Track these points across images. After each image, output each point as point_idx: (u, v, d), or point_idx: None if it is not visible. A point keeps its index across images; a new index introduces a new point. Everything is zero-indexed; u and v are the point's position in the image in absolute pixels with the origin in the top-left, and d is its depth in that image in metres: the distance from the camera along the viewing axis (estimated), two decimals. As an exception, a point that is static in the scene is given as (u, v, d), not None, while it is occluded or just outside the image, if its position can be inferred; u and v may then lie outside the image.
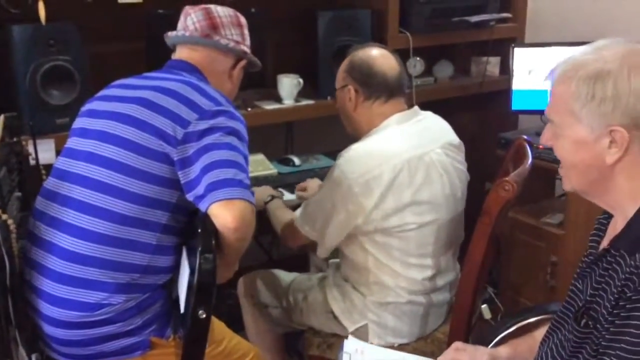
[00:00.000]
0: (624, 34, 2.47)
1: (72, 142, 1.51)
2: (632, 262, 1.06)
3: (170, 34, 1.66)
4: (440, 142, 1.79)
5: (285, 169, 2.39)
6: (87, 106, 1.56)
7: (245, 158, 1.42)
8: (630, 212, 1.11)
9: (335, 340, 1.81)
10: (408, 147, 1.72)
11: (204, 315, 1.26)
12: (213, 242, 1.27)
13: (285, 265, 2.17)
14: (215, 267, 1.26)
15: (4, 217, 1.33)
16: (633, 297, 1.03)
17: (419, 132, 1.79)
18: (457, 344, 1.41)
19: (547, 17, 2.81)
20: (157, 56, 2.15)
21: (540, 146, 2.15)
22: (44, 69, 1.93)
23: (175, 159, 1.40)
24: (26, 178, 1.72)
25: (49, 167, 1.60)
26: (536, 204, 2.63)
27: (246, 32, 1.68)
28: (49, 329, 1.41)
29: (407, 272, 1.74)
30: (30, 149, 1.73)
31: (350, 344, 1.41)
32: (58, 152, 1.87)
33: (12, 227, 1.35)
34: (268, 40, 2.40)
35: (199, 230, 1.30)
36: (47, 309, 1.40)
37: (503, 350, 1.41)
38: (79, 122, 1.53)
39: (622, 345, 1.04)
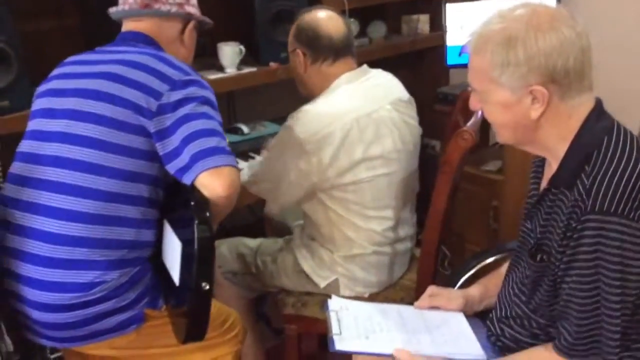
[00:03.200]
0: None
1: (38, 124, 1.47)
2: (572, 197, 1.17)
3: (112, 10, 1.63)
4: (389, 98, 1.86)
5: (235, 138, 2.40)
6: (45, 86, 1.51)
7: (221, 125, 1.43)
8: (561, 153, 1.22)
9: (309, 298, 1.88)
10: (357, 105, 1.78)
11: (207, 287, 1.28)
12: (207, 213, 1.29)
13: (244, 233, 2.20)
14: (212, 237, 1.28)
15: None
16: (578, 227, 1.15)
17: (368, 89, 1.84)
18: (432, 289, 1.51)
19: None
20: (95, 32, 2.11)
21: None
22: (-25, 51, 1.85)
23: (151, 131, 1.40)
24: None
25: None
26: (473, 153, 2.76)
27: None
28: (38, 315, 1.39)
29: (367, 225, 1.82)
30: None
31: (335, 302, 1.48)
32: (0, 137, 1.82)
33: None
34: (204, 8, 2.38)
35: (192, 203, 1.31)
36: (36, 294, 1.38)
37: (474, 290, 1.52)
38: (41, 103, 1.49)
39: (576, 271, 1.16)
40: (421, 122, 1.97)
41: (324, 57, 1.83)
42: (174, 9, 1.60)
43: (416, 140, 1.92)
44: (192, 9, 1.66)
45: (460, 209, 2.75)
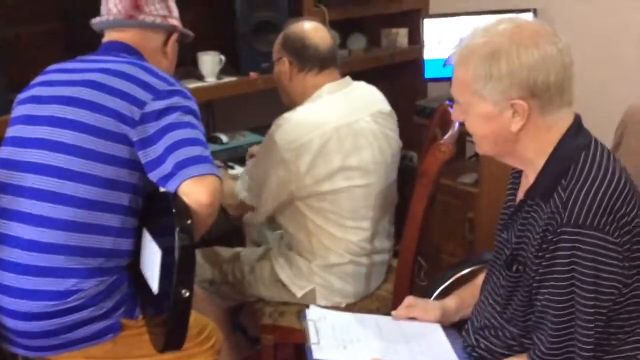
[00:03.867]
0: (525, 0, 2.63)
1: (16, 131, 1.46)
2: (548, 209, 1.20)
3: (94, 20, 1.63)
4: (370, 110, 1.88)
5: (214, 147, 2.40)
6: (26, 93, 1.51)
7: (204, 136, 1.44)
8: (539, 166, 1.25)
9: (286, 309, 1.88)
10: (337, 115, 1.81)
11: (187, 294, 1.28)
12: (189, 221, 1.29)
13: (221, 242, 2.20)
14: (193, 245, 1.28)
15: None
16: (554, 239, 1.18)
17: (350, 100, 1.87)
18: (409, 300, 1.53)
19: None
20: (75, 39, 2.10)
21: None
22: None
23: (134, 139, 1.40)
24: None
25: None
26: (450, 165, 2.79)
27: (172, 4, 1.67)
28: (13, 324, 1.38)
29: (344, 235, 1.84)
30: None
31: (313, 312, 1.48)
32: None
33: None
34: (185, 18, 2.38)
35: (173, 210, 1.31)
36: (10, 302, 1.37)
37: (451, 301, 1.54)
38: (21, 110, 1.48)
39: (551, 283, 1.19)
40: (400, 134, 1.99)
41: (310, 66, 1.86)
42: (158, 20, 1.61)
43: (395, 152, 1.94)
44: (175, 21, 1.67)
45: (437, 220, 2.78)
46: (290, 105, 1.91)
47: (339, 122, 1.79)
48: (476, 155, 2.68)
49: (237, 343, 2.17)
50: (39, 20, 2.10)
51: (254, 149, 2.20)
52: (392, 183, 1.95)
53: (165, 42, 1.65)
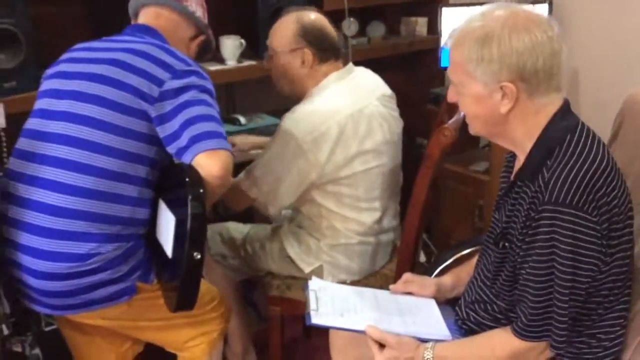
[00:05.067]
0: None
1: (44, 104, 1.56)
2: (534, 188, 1.27)
3: None
4: (375, 94, 1.95)
5: (233, 128, 2.48)
6: (54, 69, 1.61)
7: (219, 113, 1.53)
8: (528, 148, 1.31)
9: (293, 282, 1.97)
10: (349, 102, 1.87)
11: (199, 256, 1.38)
12: (201, 190, 1.38)
13: (232, 219, 2.28)
14: (205, 212, 1.38)
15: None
16: (536, 217, 1.24)
17: (356, 87, 1.94)
18: (407, 276, 1.60)
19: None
20: (101, 20, 2.19)
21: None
22: (-10, 33, 1.93)
23: (152, 115, 1.49)
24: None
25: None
26: (463, 153, 2.86)
27: (206, 15, 1.78)
28: (35, 282, 1.48)
29: (358, 216, 1.91)
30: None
31: (314, 283, 1.57)
32: (7, 116, 1.91)
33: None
34: (209, 2, 2.47)
35: (187, 179, 1.40)
36: (33, 263, 1.47)
37: (447, 278, 1.61)
38: (48, 84, 1.58)
39: (533, 258, 1.25)
40: (413, 121, 2.06)
41: (328, 57, 1.91)
42: (198, 12, 1.71)
43: (400, 133, 2.02)
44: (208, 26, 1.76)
45: (448, 207, 2.85)
46: (294, 95, 1.96)
47: (352, 109, 1.86)
48: (489, 144, 2.74)
49: (247, 316, 2.26)
50: (65, 2, 2.19)
51: (232, 138, 2.13)
52: (399, 163, 2.03)
53: (192, 39, 1.74)
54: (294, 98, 1.95)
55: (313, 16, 1.93)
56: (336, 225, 1.90)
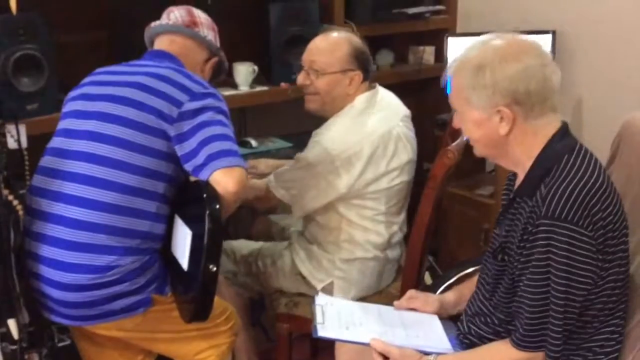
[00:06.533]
0: (545, 22, 2.75)
1: (67, 124, 1.65)
2: (531, 203, 1.33)
3: (154, 24, 1.82)
4: (399, 115, 2.05)
5: (244, 151, 2.55)
6: (77, 91, 1.70)
7: (234, 133, 1.62)
8: (528, 167, 1.38)
9: (301, 299, 2.03)
10: (380, 123, 1.97)
11: (215, 269, 1.45)
12: (217, 205, 1.46)
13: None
14: (221, 226, 1.46)
15: (10, 197, 1.47)
16: (533, 231, 1.31)
17: (384, 107, 2.03)
18: (411, 292, 1.66)
19: (477, 9, 3.09)
20: (120, 47, 2.30)
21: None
22: (15, 57, 2.00)
23: (172, 134, 1.58)
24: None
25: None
26: (469, 178, 2.92)
27: (217, 37, 1.87)
28: (56, 293, 1.55)
29: (377, 228, 1.98)
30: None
31: (321, 298, 1.64)
32: (28, 137, 1.99)
33: (18, 206, 1.49)
34: (223, 30, 2.57)
35: (204, 195, 1.48)
36: (55, 274, 1.54)
37: (450, 295, 1.66)
38: (73, 106, 1.68)
39: (530, 270, 1.31)
40: (420, 147, 2.13)
41: (367, 77, 2.00)
42: (210, 36, 1.81)
43: (416, 151, 2.09)
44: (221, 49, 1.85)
45: (454, 230, 2.90)
46: (324, 112, 2.03)
47: (382, 130, 1.95)
48: (494, 169, 2.80)
49: (254, 333, 2.31)
50: (89, 28, 2.30)
51: (253, 161, 2.26)
52: (412, 179, 2.10)
53: (206, 61, 1.84)
54: (319, 114, 2.03)
55: (355, 38, 2.03)
56: (356, 237, 1.97)
